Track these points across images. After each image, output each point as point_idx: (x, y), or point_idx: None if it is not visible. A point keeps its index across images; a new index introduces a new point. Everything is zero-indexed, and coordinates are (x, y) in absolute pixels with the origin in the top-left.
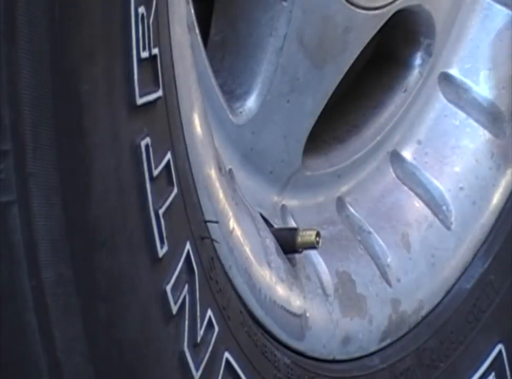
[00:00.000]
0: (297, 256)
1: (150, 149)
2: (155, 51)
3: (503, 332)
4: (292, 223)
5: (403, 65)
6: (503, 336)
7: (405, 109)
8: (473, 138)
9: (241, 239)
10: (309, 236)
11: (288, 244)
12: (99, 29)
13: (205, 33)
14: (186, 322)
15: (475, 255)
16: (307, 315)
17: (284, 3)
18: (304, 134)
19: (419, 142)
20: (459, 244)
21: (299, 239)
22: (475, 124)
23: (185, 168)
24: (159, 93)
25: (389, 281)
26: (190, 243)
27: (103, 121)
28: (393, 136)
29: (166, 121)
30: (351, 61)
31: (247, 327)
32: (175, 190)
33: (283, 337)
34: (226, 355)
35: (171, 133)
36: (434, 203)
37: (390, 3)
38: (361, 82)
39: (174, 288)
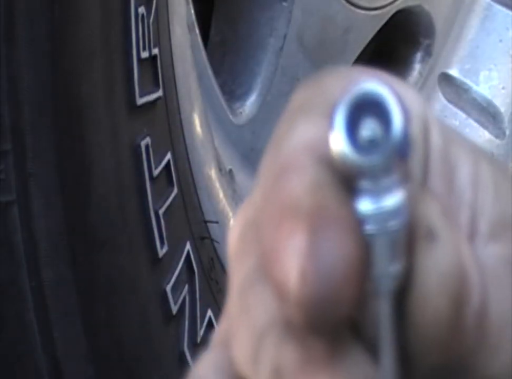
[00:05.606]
0: None
1: (150, 149)
2: (155, 51)
3: None
4: None
5: (403, 65)
6: None
7: None
8: (473, 138)
9: None
10: None
11: None
12: (99, 29)
13: (205, 33)
14: (186, 322)
15: None
16: None
17: (284, 4)
18: None
19: None
20: None
21: None
22: (475, 124)
23: (185, 168)
24: (159, 93)
25: None
26: (190, 244)
27: (103, 121)
28: None
29: (166, 121)
30: (351, 61)
31: None
32: (175, 190)
33: None
34: None
35: (171, 133)
36: None
37: (390, 3)
38: None
39: (174, 288)
